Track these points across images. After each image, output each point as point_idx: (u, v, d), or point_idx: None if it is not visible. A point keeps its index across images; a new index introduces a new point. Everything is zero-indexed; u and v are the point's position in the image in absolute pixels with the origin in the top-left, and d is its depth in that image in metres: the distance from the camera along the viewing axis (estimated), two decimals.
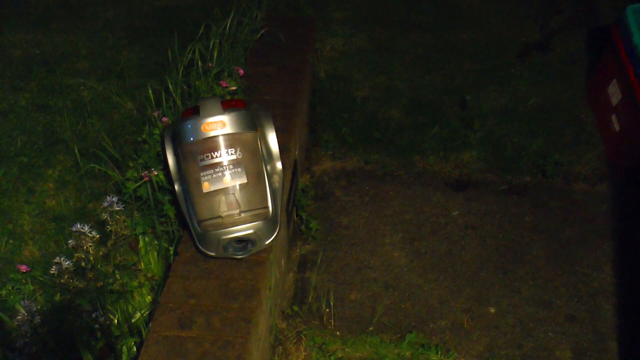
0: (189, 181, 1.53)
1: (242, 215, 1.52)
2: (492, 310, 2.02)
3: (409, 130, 2.62)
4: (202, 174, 1.51)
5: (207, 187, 1.50)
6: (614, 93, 2.47)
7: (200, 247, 1.57)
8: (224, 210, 1.51)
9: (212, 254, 1.57)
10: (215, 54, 2.13)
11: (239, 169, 1.52)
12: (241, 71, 2.15)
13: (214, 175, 1.50)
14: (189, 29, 2.34)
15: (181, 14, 3.12)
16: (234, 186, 1.51)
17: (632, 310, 2.01)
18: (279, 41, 2.36)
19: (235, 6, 2.33)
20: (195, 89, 2.04)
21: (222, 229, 1.52)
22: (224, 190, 1.51)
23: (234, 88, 2.04)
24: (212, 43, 2.15)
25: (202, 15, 2.37)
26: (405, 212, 2.32)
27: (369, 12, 3.27)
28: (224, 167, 1.51)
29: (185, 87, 2.06)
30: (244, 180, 1.52)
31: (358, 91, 2.81)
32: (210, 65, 2.10)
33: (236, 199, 1.51)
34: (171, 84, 2.04)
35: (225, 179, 1.51)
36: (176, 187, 1.62)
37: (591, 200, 2.37)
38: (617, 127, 2.44)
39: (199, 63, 2.08)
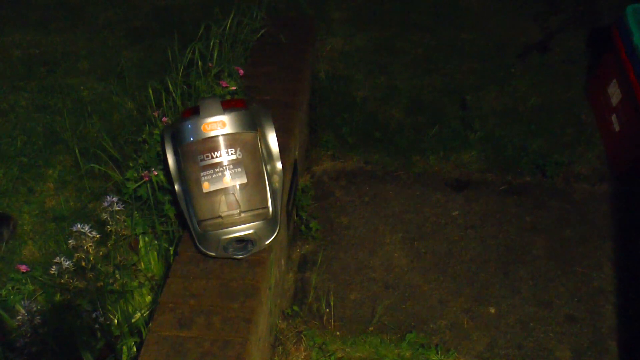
0: (189, 181, 1.53)
1: (242, 215, 1.52)
2: (492, 310, 2.02)
3: (409, 130, 2.62)
4: (202, 174, 1.50)
5: (207, 187, 1.50)
6: (614, 93, 2.47)
7: (200, 247, 1.57)
8: (224, 210, 1.51)
9: (212, 254, 1.56)
10: (215, 54, 2.13)
11: (239, 169, 1.51)
12: (241, 71, 2.15)
13: (214, 175, 1.50)
14: (189, 29, 2.34)
15: (181, 14, 3.12)
16: (234, 186, 1.51)
17: (632, 310, 2.01)
18: (279, 41, 2.36)
19: (235, 6, 2.33)
20: (195, 89, 2.04)
21: (222, 229, 1.52)
22: (224, 190, 1.51)
23: (234, 88, 2.04)
24: (212, 43, 2.15)
25: (202, 15, 2.37)
26: (405, 212, 2.32)
27: (368, 12, 3.27)
28: (224, 167, 1.51)
29: (185, 87, 2.06)
30: (244, 180, 1.52)
31: (358, 91, 2.81)
32: (210, 65, 2.10)
33: (236, 199, 1.51)
34: (171, 84, 2.04)
35: (225, 179, 1.51)
36: (176, 187, 1.62)
37: (591, 200, 2.37)
38: (617, 127, 2.44)
39: (199, 63, 2.08)
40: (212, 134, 1.50)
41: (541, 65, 2.95)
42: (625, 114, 2.38)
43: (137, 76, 2.71)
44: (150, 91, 2.04)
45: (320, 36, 3.02)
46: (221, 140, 1.51)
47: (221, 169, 1.50)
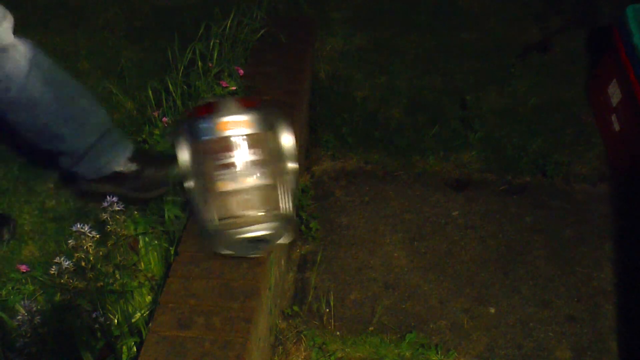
0: (205, 179, 1.52)
1: (258, 215, 1.51)
2: (492, 310, 2.02)
3: (409, 130, 2.62)
4: (220, 172, 1.49)
5: (224, 185, 1.49)
6: (614, 93, 2.47)
7: (211, 245, 1.56)
8: (240, 209, 1.50)
9: (224, 252, 1.56)
10: (215, 54, 2.13)
11: (257, 169, 1.51)
12: (241, 71, 2.15)
13: (232, 174, 1.49)
14: (189, 29, 2.34)
15: (181, 14, 3.11)
16: (252, 186, 1.50)
17: (632, 310, 2.01)
18: (279, 41, 2.36)
19: (235, 6, 2.33)
20: (195, 89, 2.04)
21: (236, 228, 1.51)
22: (241, 190, 1.50)
23: (234, 88, 2.05)
24: (212, 43, 2.15)
25: (202, 15, 2.37)
26: (405, 212, 2.32)
27: (368, 12, 3.27)
28: (243, 167, 1.50)
29: (185, 87, 2.06)
30: (262, 180, 1.51)
31: (358, 91, 2.81)
32: (210, 65, 2.10)
33: (253, 199, 1.50)
34: (171, 84, 2.04)
35: (243, 178, 1.50)
36: (188, 183, 1.60)
37: (591, 200, 2.37)
38: (617, 127, 2.44)
39: (199, 63, 2.08)
40: (232, 132, 1.49)
41: (541, 65, 2.95)
42: (625, 114, 2.38)
43: (137, 76, 2.70)
44: (150, 92, 2.04)
45: (320, 36, 3.02)
46: (241, 139, 1.50)
47: (240, 168, 1.49)
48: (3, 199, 2.17)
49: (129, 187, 1.63)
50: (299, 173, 2.00)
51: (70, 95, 1.67)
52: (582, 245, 2.21)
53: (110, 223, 1.69)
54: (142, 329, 1.65)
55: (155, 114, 1.98)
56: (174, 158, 1.72)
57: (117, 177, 1.81)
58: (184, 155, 1.61)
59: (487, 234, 2.25)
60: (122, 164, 1.81)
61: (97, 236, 1.64)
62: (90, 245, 1.61)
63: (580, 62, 2.96)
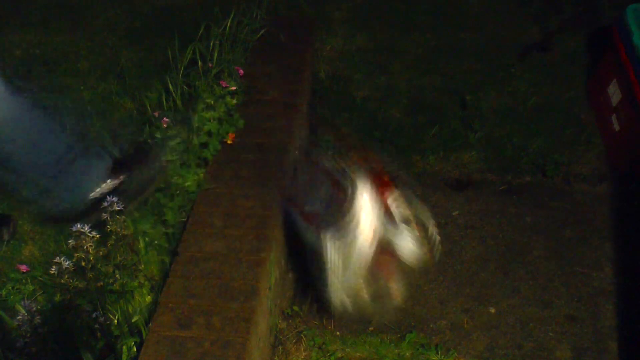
0: (368, 266, 1.72)
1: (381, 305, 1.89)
2: (492, 310, 2.02)
3: (409, 130, 2.62)
4: (373, 272, 1.74)
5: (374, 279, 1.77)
6: (614, 93, 2.47)
7: (329, 298, 1.78)
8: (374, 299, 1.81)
9: (337, 309, 1.82)
10: (216, 54, 2.13)
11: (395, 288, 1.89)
12: (241, 71, 2.15)
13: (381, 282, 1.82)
14: (189, 29, 2.34)
15: (181, 14, 3.12)
16: (391, 290, 1.88)
17: (632, 310, 2.01)
18: (279, 41, 2.36)
19: (235, 6, 2.33)
20: (195, 89, 2.04)
21: (360, 303, 1.80)
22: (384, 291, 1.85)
23: (233, 88, 2.05)
24: (212, 43, 2.15)
25: (202, 15, 2.37)
26: None
27: (369, 12, 3.27)
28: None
29: (185, 87, 2.06)
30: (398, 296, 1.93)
31: (358, 91, 2.81)
32: (210, 65, 2.10)
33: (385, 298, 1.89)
34: (171, 84, 2.04)
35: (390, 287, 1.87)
36: (336, 236, 1.73)
37: (591, 200, 2.37)
38: (617, 127, 2.44)
39: (199, 63, 2.08)
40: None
41: (541, 65, 2.95)
42: (625, 114, 2.38)
43: (137, 76, 2.70)
44: (151, 91, 2.04)
45: (320, 36, 3.02)
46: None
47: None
48: (3, 199, 2.17)
49: (125, 197, 1.60)
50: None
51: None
52: (582, 245, 2.21)
53: (110, 223, 1.69)
54: (142, 329, 1.65)
55: (156, 114, 1.98)
56: (157, 153, 1.73)
57: (113, 194, 1.70)
58: (361, 222, 1.72)
59: (487, 234, 2.25)
60: (105, 179, 1.71)
61: (97, 236, 1.64)
62: (90, 245, 1.61)
63: (580, 62, 2.96)
